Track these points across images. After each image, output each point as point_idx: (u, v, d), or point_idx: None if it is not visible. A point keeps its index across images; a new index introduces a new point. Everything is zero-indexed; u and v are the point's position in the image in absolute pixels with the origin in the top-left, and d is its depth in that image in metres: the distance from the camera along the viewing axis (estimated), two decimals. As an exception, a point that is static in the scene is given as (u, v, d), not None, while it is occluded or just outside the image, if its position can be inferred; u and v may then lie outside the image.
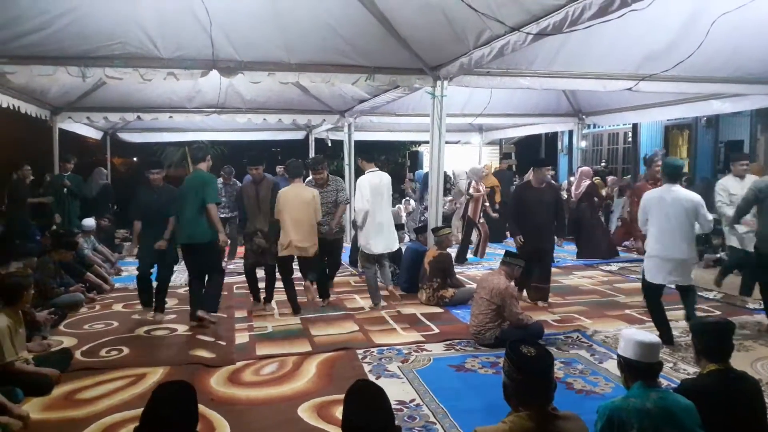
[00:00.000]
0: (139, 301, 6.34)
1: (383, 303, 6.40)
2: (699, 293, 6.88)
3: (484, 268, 8.50)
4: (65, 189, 9.01)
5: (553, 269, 8.54)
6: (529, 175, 9.02)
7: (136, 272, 6.22)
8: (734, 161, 6.61)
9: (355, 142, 11.50)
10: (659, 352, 2.62)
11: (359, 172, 6.78)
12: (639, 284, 7.37)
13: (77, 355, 4.82)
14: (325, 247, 6.40)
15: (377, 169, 6.43)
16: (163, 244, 5.76)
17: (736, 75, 6.98)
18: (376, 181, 6.26)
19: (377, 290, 6.39)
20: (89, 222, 8.54)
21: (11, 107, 7.89)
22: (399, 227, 8.36)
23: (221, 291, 6.02)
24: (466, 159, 13.88)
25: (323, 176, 6.46)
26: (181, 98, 9.60)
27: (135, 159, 14.54)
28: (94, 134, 12.55)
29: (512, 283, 5.12)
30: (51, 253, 6.28)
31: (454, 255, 8.53)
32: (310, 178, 6.73)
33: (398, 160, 18.42)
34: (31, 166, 9.37)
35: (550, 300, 6.62)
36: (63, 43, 5.77)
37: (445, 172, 12.61)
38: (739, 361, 3.73)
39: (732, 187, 6.28)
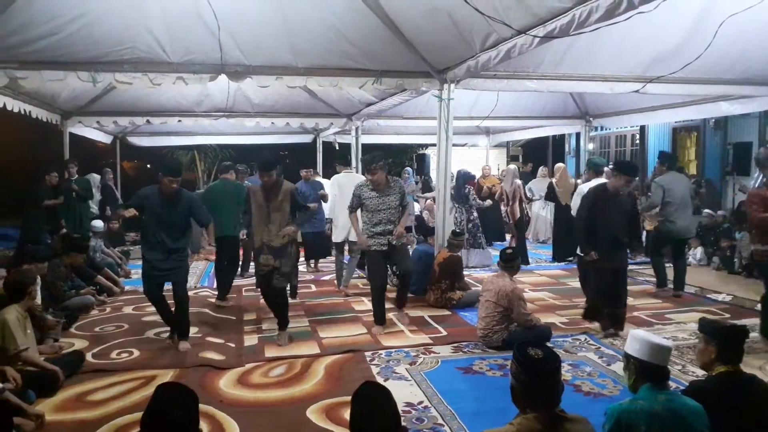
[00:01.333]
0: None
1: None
2: (708, 296, 6.89)
3: (491, 271, 8.50)
4: (74, 193, 9.08)
5: (560, 272, 8.59)
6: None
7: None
8: None
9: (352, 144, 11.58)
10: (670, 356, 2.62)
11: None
12: (647, 287, 7.42)
13: (88, 357, 4.86)
14: (391, 254, 5.62)
15: (352, 171, 7.65)
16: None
17: (744, 77, 6.95)
18: (345, 181, 7.24)
19: (341, 275, 7.32)
20: (98, 223, 8.62)
21: (22, 112, 7.98)
22: (406, 229, 8.36)
23: (233, 281, 7.00)
24: (473, 161, 13.89)
25: (378, 177, 5.43)
26: (189, 102, 9.68)
27: (149, 166, 14.56)
28: (104, 138, 12.66)
29: (518, 285, 5.13)
30: (62, 257, 6.35)
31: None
32: (364, 180, 5.79)
33: (405, 163, 18.44)
34: (45, 170, 9.44)
35: (558, 302, 6.63)
36: (73, 48, 5.83)
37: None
38: (748, 363, 3.72)
39: None
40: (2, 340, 4.01)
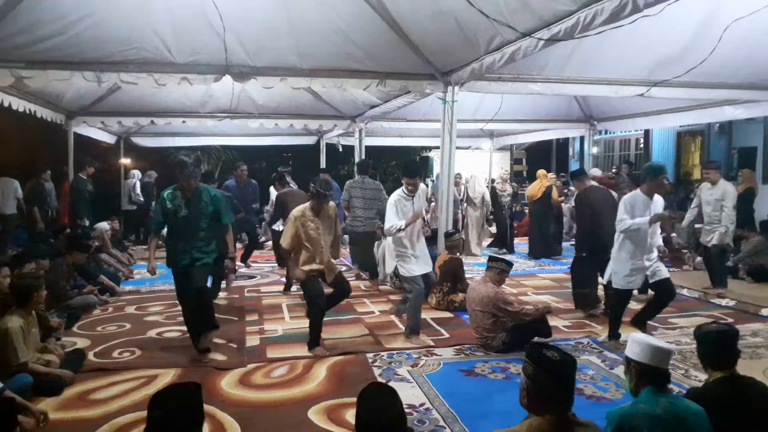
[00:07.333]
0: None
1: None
2: (711, 301, 6.85)
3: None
4: (87, 193, 9.09)
5: (563, 275, 8.56)
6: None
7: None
8: None
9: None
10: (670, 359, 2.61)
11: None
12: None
13: (90, 356, 4.87)
14: None
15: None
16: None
17: (749, 81, 6.95)
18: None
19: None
20: (102, 225, 8.63)
21: (27, 111, 8.01)
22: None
23: None
24: (477, 164, 13.91)
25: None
26: (194, 103, 9.70)
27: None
28: (108, 138, 12.70)
29: (500, 287, 5.12)
30: (65, 256, 6.35)
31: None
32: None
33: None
34: (44, 170, 9.50)
35: (561, 306, 6.62)
36: (79, 48, 5.85)
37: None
38: (750, 368, 3.70)
39: None
40: (4, 350, 3.91)
